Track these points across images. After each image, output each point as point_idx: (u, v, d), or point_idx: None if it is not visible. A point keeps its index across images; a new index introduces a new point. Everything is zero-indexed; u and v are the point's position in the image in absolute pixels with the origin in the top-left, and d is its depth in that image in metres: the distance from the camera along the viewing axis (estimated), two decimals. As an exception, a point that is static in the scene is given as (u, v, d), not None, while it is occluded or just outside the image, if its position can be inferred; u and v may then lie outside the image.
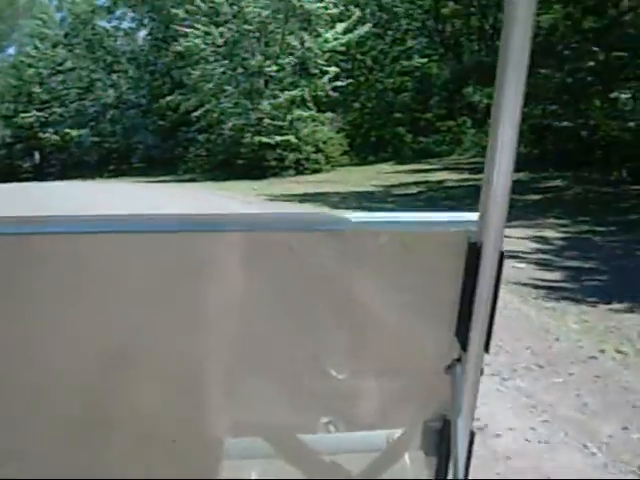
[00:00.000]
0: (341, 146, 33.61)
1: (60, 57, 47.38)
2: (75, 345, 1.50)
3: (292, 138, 31.51)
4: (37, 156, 48.16)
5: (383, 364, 1.64)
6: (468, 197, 16.76)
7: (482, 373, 1.54)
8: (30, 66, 46.91)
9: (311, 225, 1.53)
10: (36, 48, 47.53)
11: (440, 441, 1.66)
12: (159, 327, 1.53)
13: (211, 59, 34.18)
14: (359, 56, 37.11)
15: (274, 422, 1.67)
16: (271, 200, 21.28)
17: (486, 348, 1.50)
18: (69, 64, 47.34)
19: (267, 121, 31.92)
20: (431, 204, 17.94)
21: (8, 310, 1.45)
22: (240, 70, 33.71)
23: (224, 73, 34.02)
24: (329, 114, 34.02)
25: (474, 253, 1.43)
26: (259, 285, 1.54)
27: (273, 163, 31.36)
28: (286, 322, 1.59)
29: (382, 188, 23.13)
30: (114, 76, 47.00)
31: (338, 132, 34.31)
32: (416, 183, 23.34)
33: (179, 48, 35.10)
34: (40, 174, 45.13)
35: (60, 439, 1.57)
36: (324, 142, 32.59)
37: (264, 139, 31.29)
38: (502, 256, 1.42)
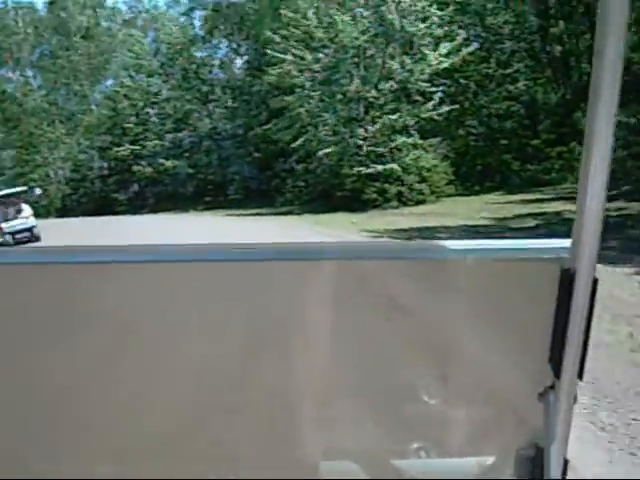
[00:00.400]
0: (446, 175, 32.03)
1: (155, 87, 47.28)
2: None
3: (395, 166, 30.04)
4: (133, 188, 48.16)
5: (476, 391, 1.66)
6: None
7: (576, 401, 1.51)
8: (125, 96, 46.86)
9: (407, 253, 1.59)
10: (131, 77, 47.55)
11: (533, 469, 1.62)
12: (247, 358, 1.58)
13: (307, 85, 33.12)
14: (463, 80, 35.79)
15: (367, 447, 1.70)
16: (374, 237, 19.62)
17: (580, 375, 1.48)
18: (164, 94, 47.13)
19: (368, 148, 30.55)
20: (555, 240, 15.70)
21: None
22: (339, 97, 32.50)
23: (322, 100, 32.96)
24: (433, 140, 32.57)
25: (567, 280, 1.42)
26: (353, 313, 1.58)
27: (374, 195, 29.96)
28: (380, 349, 1.61)
29: (494, 221, 21.18)
30: (209, 106, 46.38)
31: (443, 160, 32.86)
32: (531, 215, 21.25)
33: (273, 76, 34.26)
34: (135, 206, 45.01)
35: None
36: (428, 170, 31.07)
37: (364, 170, 30.01)
38: (596, 283, 1.41)
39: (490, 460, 1.72)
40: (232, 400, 1.61)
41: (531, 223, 19.55)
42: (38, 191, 35.54)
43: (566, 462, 1.55)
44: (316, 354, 1.61)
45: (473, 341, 1.62)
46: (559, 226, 18.71)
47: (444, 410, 1.69)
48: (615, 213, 19.94)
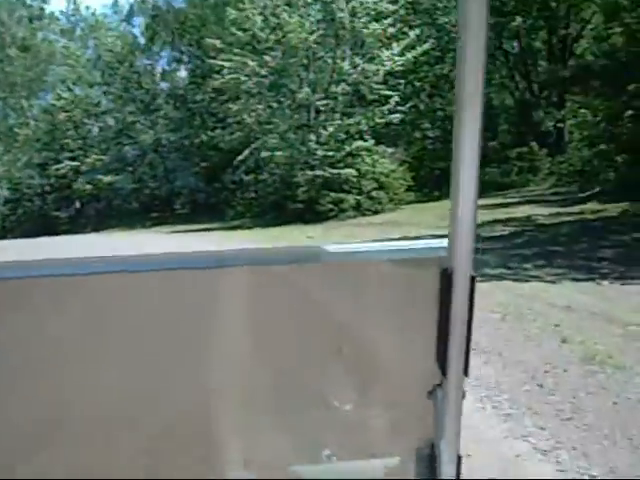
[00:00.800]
0: (405, 181, 30.82)
1: (95, 98, 45.51)
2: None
3: (351, 171, 28.66)
4: (75, 205, 46.50)
5: (374, 393, 1.68)
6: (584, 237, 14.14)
7: (464, 397, 1.54)
8: (62, 109, 44.95)
9: (290, 258, 1.60)
10: (69, 89, 45.66)
11: (431, 467, 1.65)
12: (164, 366, 1.59)
13: (254, 91, 31.48)
14: (417, 82, 35.20)
15: (273, 455, 1.71)
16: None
17: (465, 372, 1.50)
18: (104, 105, 45.64)
19: (321, 153, 29.05)
20: (542, 256, 13.92)
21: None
22: (288, 102, 31.05)
23: (270, 107, 31.50)
24: (389, 144, 31.47)
25: (446, 279, 1.46)
26: (257, 317, 1.62)
27: (329, 205, 28.49)
28: (279, 353, 1.64)
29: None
30: (153, 117, 44.65)
31: (400, 165, 31.55)
32: (501, 221, 19.67)
33: (218, 83, 32.71)
34: (77, 225, 43.20)
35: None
36: (386, 176, 29.76)
37: (319, 173, 28.49)
38: (473, 280, 1.44)
39: (395, 461, 1.73)
40: (146, 407, 1.61)
41: (503, 231, 17.98)
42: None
43: (459, 458, 1.57)
44: (222, 361, 1.62)
45: (365, 344, 1.64)
46: (535, 233, 17.24)
47: (349, 414, 1.68)
48: (593, 216, 18.64)
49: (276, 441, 1.70)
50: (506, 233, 17.61)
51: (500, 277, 11.35)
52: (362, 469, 1.74)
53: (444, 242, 1.48)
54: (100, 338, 1.54)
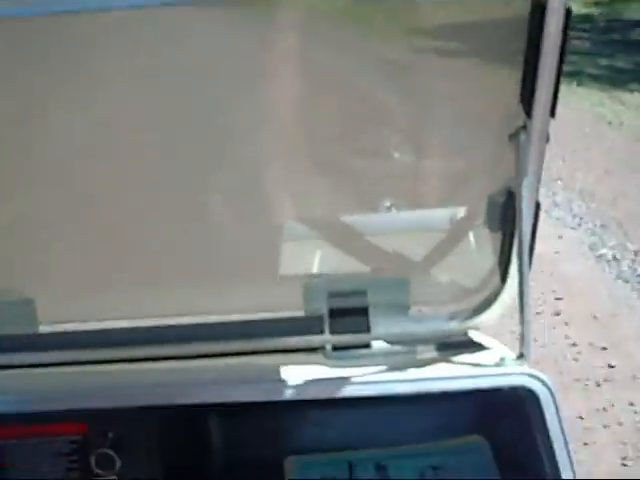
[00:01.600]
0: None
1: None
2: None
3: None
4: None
5: (445, 140, 1.59)
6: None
7: (548, 140, 1.45)
8: None
9: None
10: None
11: (504, 215, 1.57)
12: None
13: None
14: None
15: (336, 206, 1.65)
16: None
17: (552, 112, 1.40)
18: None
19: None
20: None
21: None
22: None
23: None
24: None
25: (538, 12, 1.29)
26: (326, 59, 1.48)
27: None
28: (346, 102, 1.52)
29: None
30: None
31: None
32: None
33: None
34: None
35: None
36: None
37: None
38: (568, 14, 1.28)
39: (462, 210, 1.66)
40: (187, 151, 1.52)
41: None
42: None
43: (538, 205, 1.50)
44: (284, 108, 1.50)
45: (441, 84, 1.49)
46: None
47: (415, 164, 1.61)
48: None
49: (331, 191, 1.63)
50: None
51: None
52: (426, 219, 1.67)
53: None
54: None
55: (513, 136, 1.46)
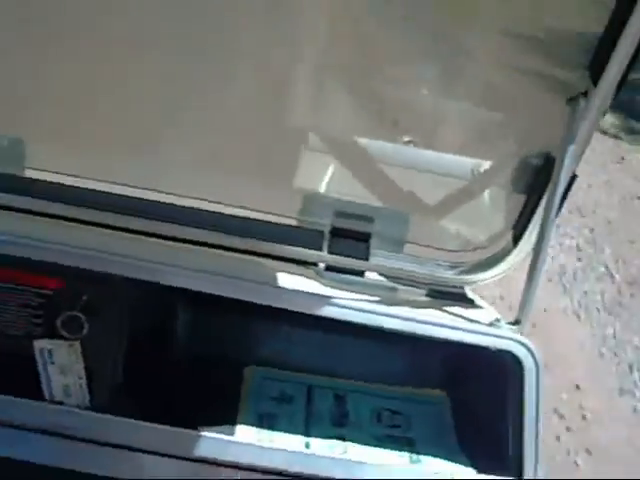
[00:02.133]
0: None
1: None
2: None
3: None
4: None
5: (490, 87, 1.49)
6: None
7: (604, 115, 1.40)
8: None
9: None
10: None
11: (535, 179, 1.51)
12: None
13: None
14: None
15: (352, 128, 1.61)
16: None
17: (620, 86, 1.32)
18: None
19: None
20: None
21: None
22: None
23: None
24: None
25: None
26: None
27: None
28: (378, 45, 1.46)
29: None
30: None
31: None
32: None
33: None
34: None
35: None
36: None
37: None
38: None
39: (487, 164, 1.58)
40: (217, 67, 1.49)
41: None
42: None
43: (574, 177, 1.44)
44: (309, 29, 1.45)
45: (500, 21, 1.37)
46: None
47: (447, 105, 1.54)
48: None
49: (355, 112, 1.58)
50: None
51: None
52: (446, 164, 1.60)
53: None
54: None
55: (571, 101, 1.38)
